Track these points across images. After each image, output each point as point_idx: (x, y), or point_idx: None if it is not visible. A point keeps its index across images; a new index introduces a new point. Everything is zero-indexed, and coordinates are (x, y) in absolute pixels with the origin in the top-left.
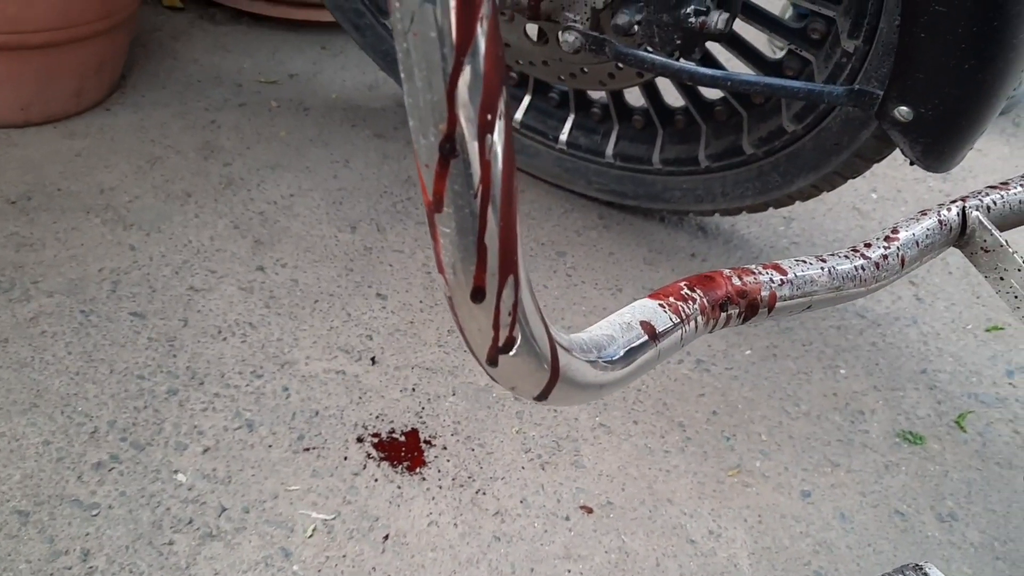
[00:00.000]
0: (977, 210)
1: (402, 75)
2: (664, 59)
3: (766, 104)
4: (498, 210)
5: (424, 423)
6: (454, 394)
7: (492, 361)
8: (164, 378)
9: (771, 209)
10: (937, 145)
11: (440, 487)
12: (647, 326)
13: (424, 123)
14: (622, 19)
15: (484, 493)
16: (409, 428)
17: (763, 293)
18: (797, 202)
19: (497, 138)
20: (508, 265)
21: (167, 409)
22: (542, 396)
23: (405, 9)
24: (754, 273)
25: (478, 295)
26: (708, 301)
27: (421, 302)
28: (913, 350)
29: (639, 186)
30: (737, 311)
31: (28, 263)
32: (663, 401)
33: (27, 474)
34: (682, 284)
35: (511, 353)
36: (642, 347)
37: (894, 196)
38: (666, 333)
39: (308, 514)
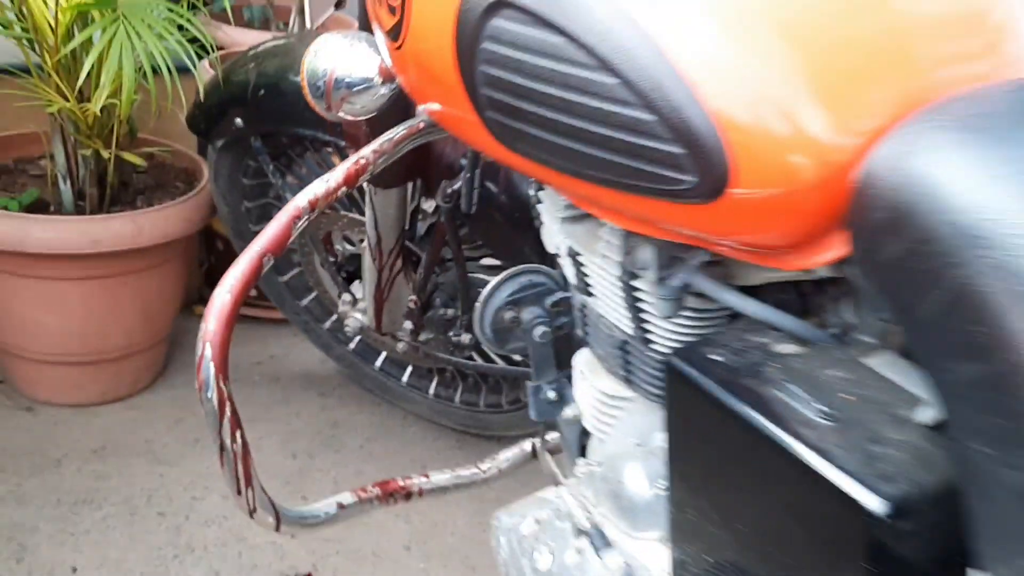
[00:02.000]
0: None
1: None
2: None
3: None
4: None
5: None
6: None
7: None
8: None
9: None
10: None
11: None
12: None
13: None
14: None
15: None
16: None
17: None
18: None
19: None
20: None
21: None
22: (276, 528)
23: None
24: (410, 478)
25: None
26: (382, 492)
27: None
28: None
29: (473, 420)
30: (395, 498)
31: (101, 486)
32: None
33: None
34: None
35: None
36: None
37: None
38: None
39: None
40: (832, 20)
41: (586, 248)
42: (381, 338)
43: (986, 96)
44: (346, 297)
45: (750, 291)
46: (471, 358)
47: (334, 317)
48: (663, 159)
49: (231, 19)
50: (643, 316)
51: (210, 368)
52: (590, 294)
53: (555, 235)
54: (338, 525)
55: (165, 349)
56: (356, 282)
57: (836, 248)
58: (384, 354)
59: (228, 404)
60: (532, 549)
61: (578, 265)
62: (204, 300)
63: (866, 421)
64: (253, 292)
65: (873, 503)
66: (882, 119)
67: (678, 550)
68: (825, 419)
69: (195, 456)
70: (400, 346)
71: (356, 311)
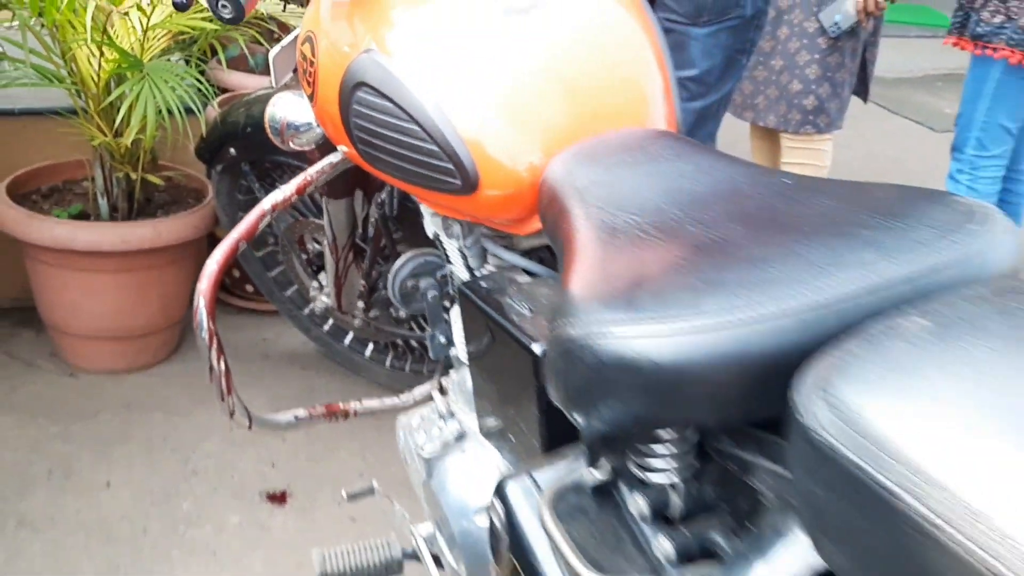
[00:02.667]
0: None
1: None
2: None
3: None
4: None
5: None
6: None
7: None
8: None
9: None
10: None
11: None
12: (296, 416)
13: None
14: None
15: None
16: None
17: (350, 409)
18: None
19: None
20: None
21: None
22: (249, 428)
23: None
24: (348, 403)
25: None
26: (327, 411)
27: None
28: None
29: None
30: (337, 416)
31: (128, 430)
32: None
33: None
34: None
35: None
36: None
37: None
38: (302, 418)
39: None
40: (527, 98)
41: (438, 230)
42: (343, 316)
43: (610, 141)
44: (315, 284)
45: (527, 252)
46: (412, 330)
47: (311, 305)
48: (444, 172)
49: (243, 66)
50: (471, 270)
51: (203, 313)
52: (450, 262)
53: (428, 224)
54: (298, 435)
55: (179, 330)
56: (322, 273)
57: (539, 222)
58: (351, 334)
59: (215, 338)
60: (416, 435)
61: (440, 243)
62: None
63: (549, 310)
64: (250, 288)
65: (538, 348)
66: (554, 149)
67: (479, 407)
68: (530, 313)
69: (201, 412)
70: (356, 322)
71: (323, 295)
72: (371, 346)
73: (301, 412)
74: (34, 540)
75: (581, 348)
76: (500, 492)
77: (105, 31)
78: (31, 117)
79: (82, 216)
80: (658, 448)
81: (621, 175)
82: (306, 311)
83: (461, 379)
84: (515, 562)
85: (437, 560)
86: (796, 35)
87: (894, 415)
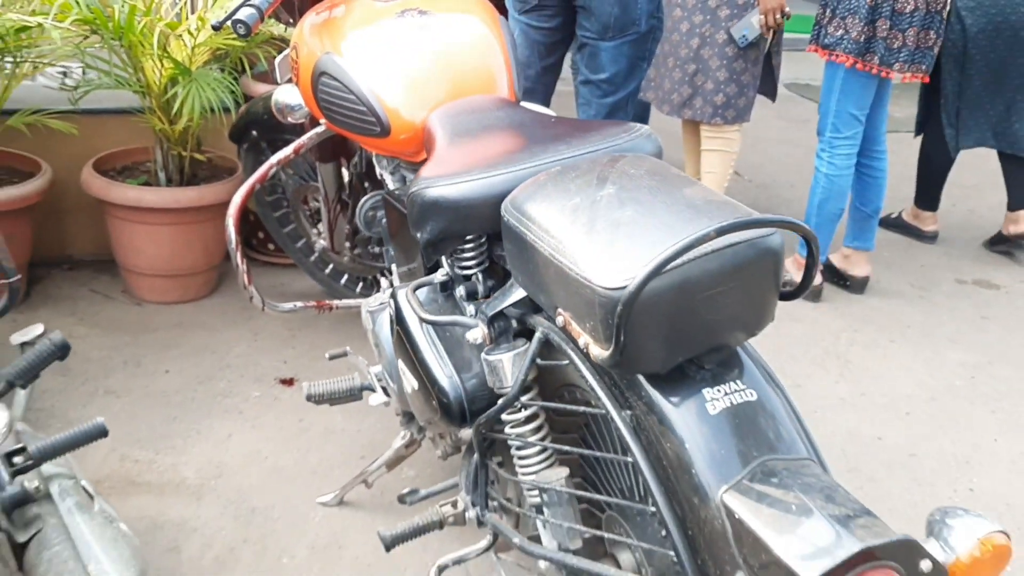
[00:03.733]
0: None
1: None
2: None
3: None
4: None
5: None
6: None
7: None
8: None
9: None
10: None
11: None
12: (295, 305)
13: None
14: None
15: None
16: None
17: (332, 305)
18: None
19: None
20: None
21: None
22: (263, 309)
23: None
24: (331, 301)
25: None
26: (316, 304)
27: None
28: None
29: None
30: (323, 309)
31: (180, 340)
32: None
33: None
34: None
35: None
36: (292, 310)
37: None
38: (299, 307)
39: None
40: (416, 77)
41: (375, 163)
42: (336, 257)
43: (467, 102)
44: (315, 231)
45: None
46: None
47: (315, 254)
48: (371, 124)
49: (269, 79)
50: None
51: (231, 229)
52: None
53: (376, 164)
54: (304, 342)
55: (217, 273)
56: (320, 223)
57: (424, 153)
58: (345, 275)
59: (239, 245)
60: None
61: (378, 171)
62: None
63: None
64: (271, 247)
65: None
66: (432, 107)
67: (399, 264)
68: None
69: (231, 329)
70: (346, 259)
71: (321, 239)
72: (360, 284)
73: (299, 303)
74: (116, 403)
75: (415, 196)
76: (393, 295)
77: (164, 48)
78: (109, 115)
79: (147, 184)
80: (465, 251)
81: (468, 118)
82: (312, 258)
83: (394, 262)
84: (399, 331)
85: (385, 391)
86: (707, 44)
87: (536, 210)
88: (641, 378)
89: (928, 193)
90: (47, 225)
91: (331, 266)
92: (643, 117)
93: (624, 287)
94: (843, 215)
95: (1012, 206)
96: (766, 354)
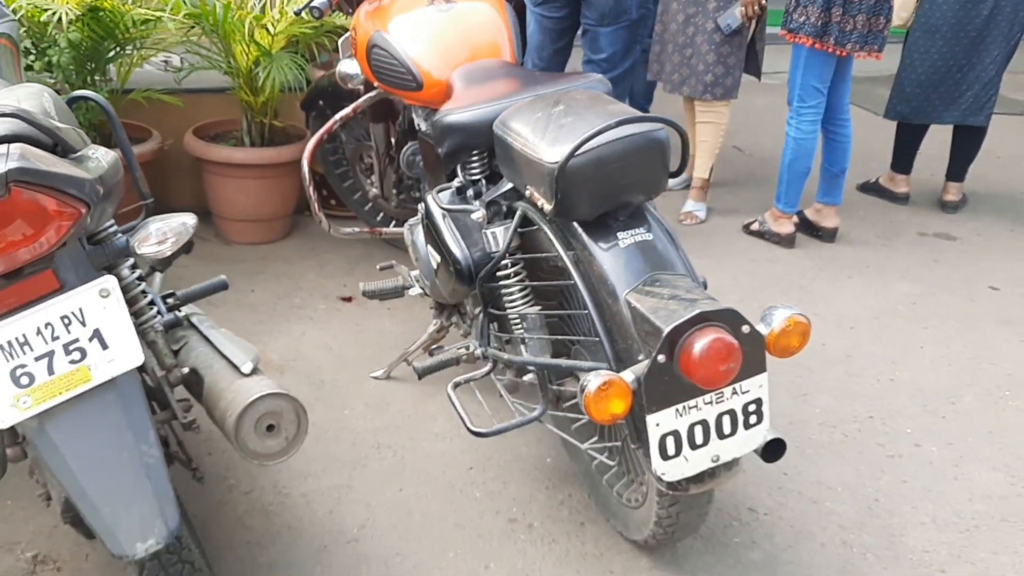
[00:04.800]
0: None
1: None
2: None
3: None
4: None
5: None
6: None
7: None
8: None
9: None
10: None
11: None
12: (348, 231)
13: None
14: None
15: None
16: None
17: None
18: None
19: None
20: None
21: None
22: (328, 231)
23: None
24: (382, 229)
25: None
26: (371, 231)
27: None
28: None
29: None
30: (375, 235)
31: (263, 270)
32: None
33: None
34: None
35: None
36: (349, 233)
37: None
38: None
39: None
40: (442, 45)
41: (412, 113)
42: (385, 204)
43: (479, 64)
44: (368, 181)
45: None
46: None
47: (369, 203)
48: (408, 80)
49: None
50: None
51: (305, 166)
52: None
53: (412, 117)
54: (361, 270)
55: (291, 221)
56: (373, 175)
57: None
58: (394, 222)
59: (312, 182)
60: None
61: (415, 121)
62: (307, 207)
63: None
64: (333, 203)
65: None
66: (454, 67)
67: (429, 183)
68: None
69: (303, 263)
70: (393, 203)
71: (373, 188)
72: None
73: (356, 228)
74: (215, 311)
75: (438, 121)
76: (423, 199)
77: (252, 36)
78: (205, 93)
79: (236, 146)
80: (472, 162)
81: (478, 74)
82: (366, 208)
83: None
84: (427, 223)
85: (421, 288)
86: (699, 31)
87: (514, 123)
88: (576, 226)
89: (902, 158)
90: (155, 181)
91: (381, 213)
92: (649, 94)
93: (559, 161)
94: (810, 173)
95: (950, 175)
96: (745, 287)
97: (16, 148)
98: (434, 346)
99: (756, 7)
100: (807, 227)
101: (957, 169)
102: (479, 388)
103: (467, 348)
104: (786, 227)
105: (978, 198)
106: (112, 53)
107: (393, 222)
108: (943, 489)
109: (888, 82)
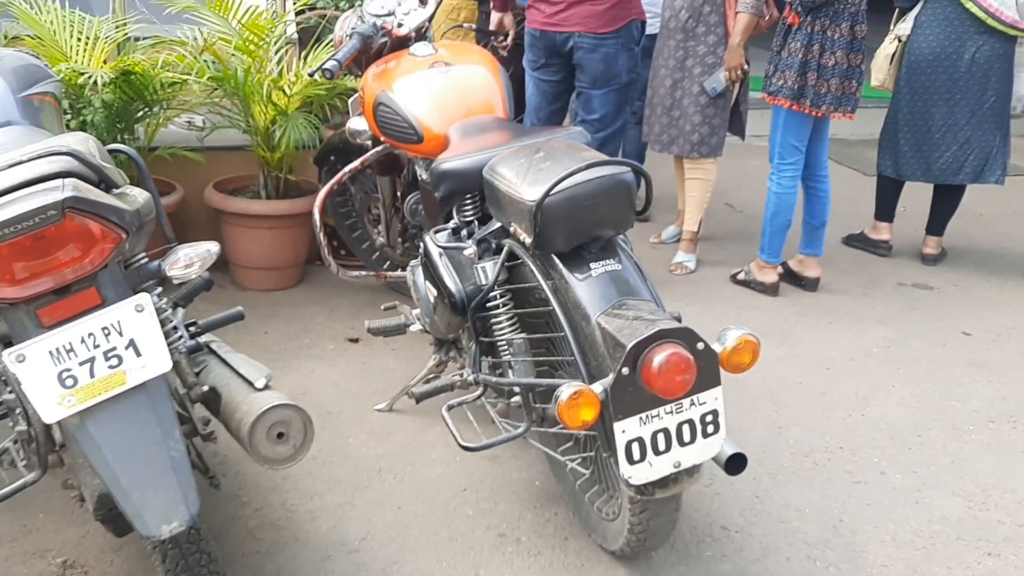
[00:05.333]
0: None
1: None
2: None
3: None
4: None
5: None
6: None
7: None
8: None
9: None
10: None
11: None
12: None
13: None
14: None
15: None
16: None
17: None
18: None
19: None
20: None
21: None
22: (337, 274)
23: None
24: (387, 273)
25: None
26: (376, 275)
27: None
28: None
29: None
30: (379, 279)
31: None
32: None
33: None
34: None
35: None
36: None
37: None
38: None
39: None
40: (440, 103)
41: (414, 164)
42: (391, 252)
43: (474, 119)
44: (375, 231)
45: None
46: None
47: (376, 252)
48: (410, 135)
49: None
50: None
51: (316, 214)
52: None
53: (415, 168)
54: (367, 313)
55: (302, 269)
56: (379, 225)
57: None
58: (399, 269)
59: (323, 227)
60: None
61: (416, 171)
62: (318, 257)
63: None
64: (343, 252)
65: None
66: (451, 123)
67: (429, 226)
68: None
69: (313, 308)
70: (398, 252)
71: (379, 237)
72: None
73: (363, 272)
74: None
75: (436, 168)
76: (422, 240)
77: (269, 97)
78: (225, 151)
79: (253, 198)
80: (466, 204)
81: (472, 127)
82: (373, 257)
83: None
84: (425, 261)
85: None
86: (686, 95)
87: (500, 168)
88: (555, 258)
89: (883, 206)
90: (176, 232)
91: (387, 262)
92: (641, 154)
93: (537, 199)
94: (791, 225)
95: (929, 229)
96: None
97: (70, 181)
98: (431, 376)
99: (739, 71)
100: (791, 277)
101: (936, 224)
102: (473, 414)
103: (461, 375)
104: (770, 276)
105: (958, 252)
106: (140, 113)
107: (398, 269)
108: (904, 511)
109: (875, 145)
